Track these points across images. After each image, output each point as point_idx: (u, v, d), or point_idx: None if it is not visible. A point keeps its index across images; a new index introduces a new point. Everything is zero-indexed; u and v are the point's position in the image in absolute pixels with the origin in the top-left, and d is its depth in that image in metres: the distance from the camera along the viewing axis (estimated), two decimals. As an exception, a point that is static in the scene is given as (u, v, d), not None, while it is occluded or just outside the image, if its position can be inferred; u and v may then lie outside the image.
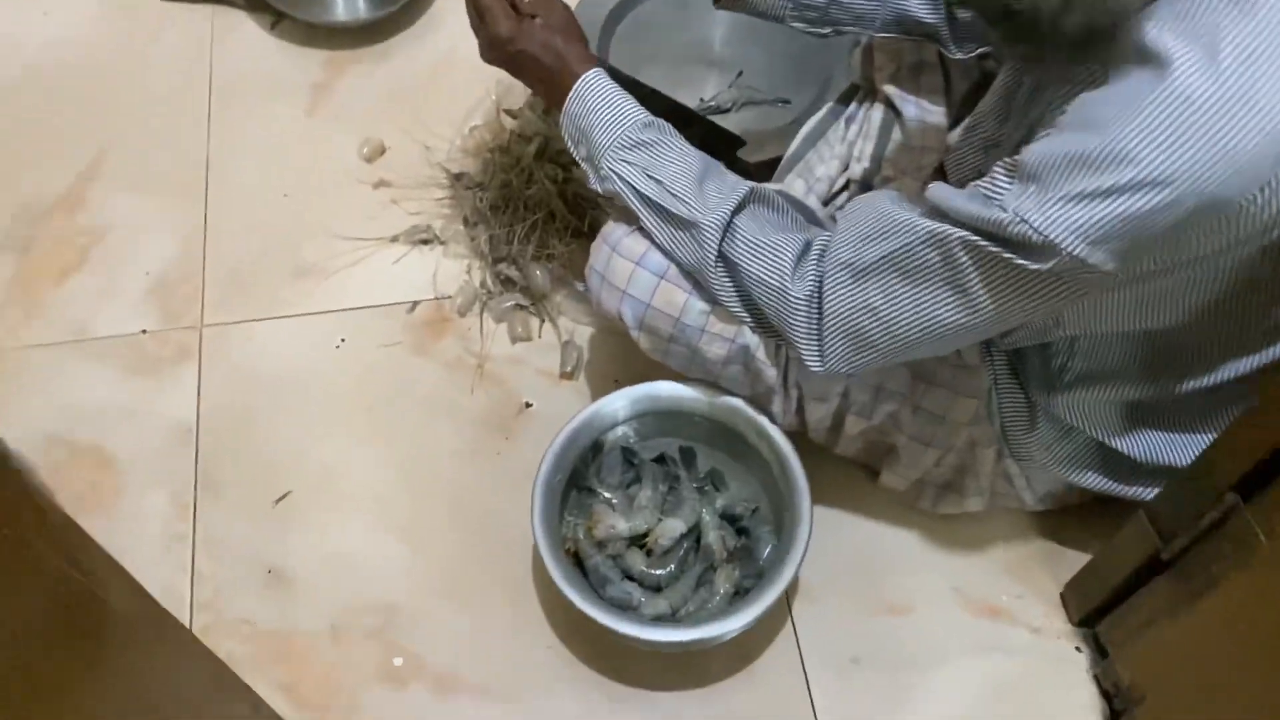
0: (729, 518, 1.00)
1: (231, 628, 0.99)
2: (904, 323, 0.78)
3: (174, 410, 1.12)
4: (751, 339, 0.89)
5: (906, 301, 0.77)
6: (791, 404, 0.94)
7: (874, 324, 0.79)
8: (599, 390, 1.12)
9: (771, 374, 0.91)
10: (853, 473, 1.05)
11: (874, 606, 1.01)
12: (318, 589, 1.02)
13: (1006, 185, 0.69)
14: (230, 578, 1.02)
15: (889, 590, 1.02)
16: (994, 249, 0.70)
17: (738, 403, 0.97)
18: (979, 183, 0.73)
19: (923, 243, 0.74)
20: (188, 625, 0.99)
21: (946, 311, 0.75)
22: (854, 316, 0.80)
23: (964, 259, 0.72)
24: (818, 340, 0.83)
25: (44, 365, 1.15)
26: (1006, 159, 0.71)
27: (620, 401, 0.99)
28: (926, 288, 0.75)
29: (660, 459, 1.03)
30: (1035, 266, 0.68)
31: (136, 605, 0.58)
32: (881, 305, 0.78)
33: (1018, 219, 0.67)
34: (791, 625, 1.00)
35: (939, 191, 0.74)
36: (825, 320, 0.81)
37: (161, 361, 1.15)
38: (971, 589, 1.02)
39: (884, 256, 0.76)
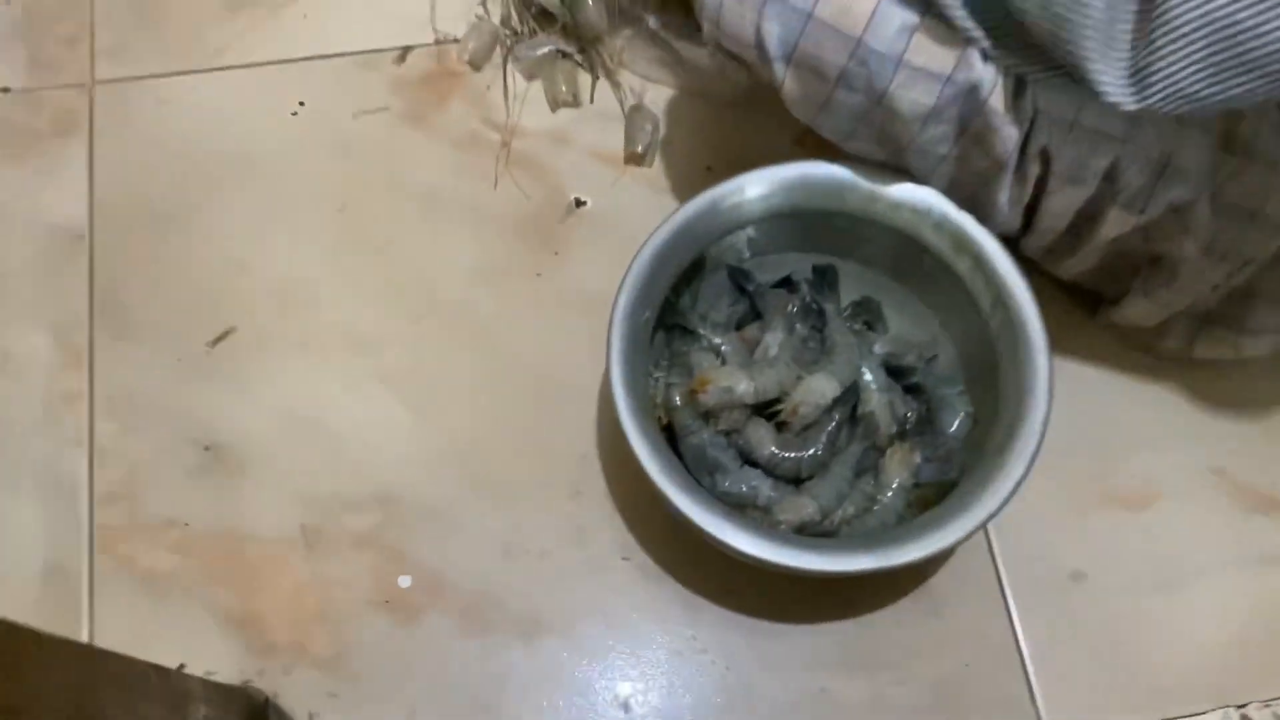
0: (893, 371, 0.66)
1: (154, 533, 0.67)
2: None
3: (55, 207, 0.75)
4: (983, 73, 0.54)
5: None
6: (1026, 189, 0.59)
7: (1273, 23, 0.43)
8: (684, 181, 0.76)
9: (1009, 135, 0.55)
10: (1065, 300, 0.71)
11: (1101, 498, 0.69)
12: (280, 474, 0.69)
13: None
14: (149, 457, 0.69)
15: (1122, 474, 0.70)
16: None
17: (931, 195, 0.61)
18: None
19: None
20: (86, 526, 0.67)
21: None
22: (1234, 11, 0.43)
23: None
24: (1128, 54, 0.47)
25: None
26: None
27: (755, 188, 0.63)
28: None
29: (786, 283, 0.68)
30: None
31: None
32: None
33: None
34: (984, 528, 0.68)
35: None
36: (1167, 18, 0.45)
37: (34, 136, 0.78)
38: (1241, 471, 0.70)
39: None
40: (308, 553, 0.67)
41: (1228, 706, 0.64)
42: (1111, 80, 0.47)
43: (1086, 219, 0.61)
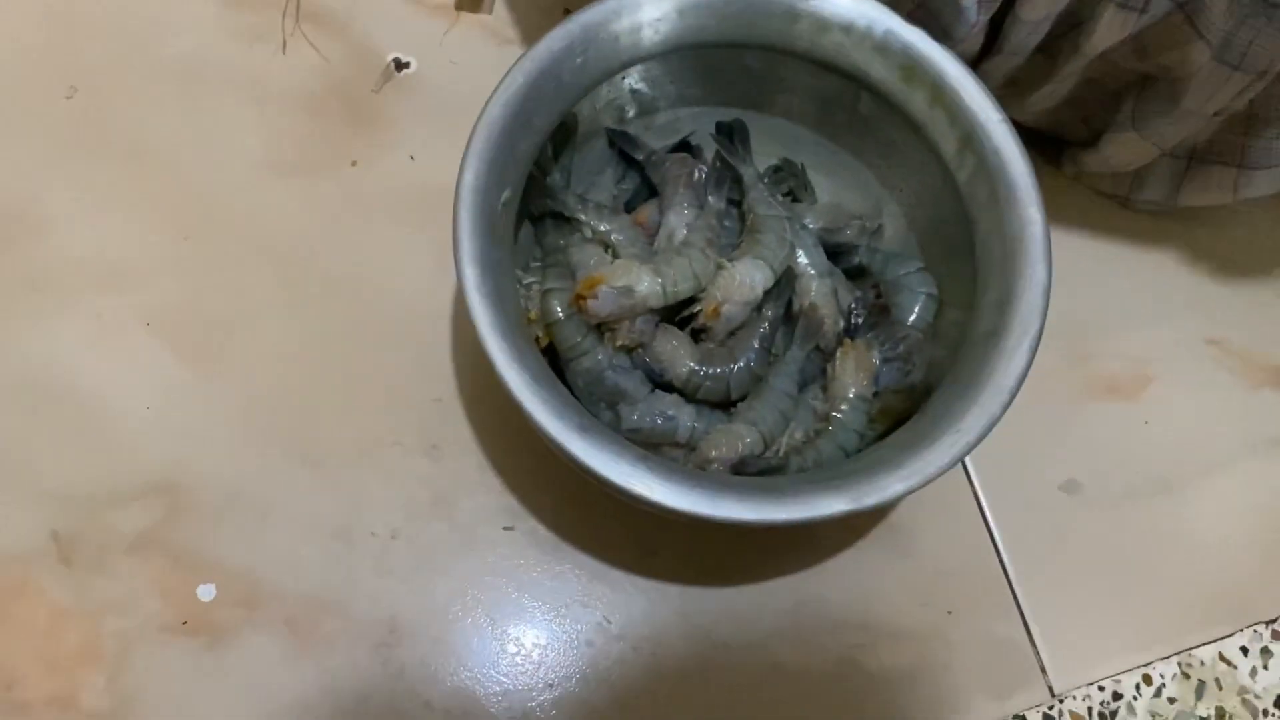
0: (831, 251, 0.51)
1: None
2: None
3: None
4: None
5: None
6: (1002, -11, 0.44)
7: None
8: (537, 30, 0.59)
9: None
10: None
11: (1086, 387, 0.57)
12: (14, 466, 0.49)
13: None
14: None
15: (1107, 356, 0.57)
16: None
17: (870, 6, 0.46)
18: None
19: None
20: None
21: None
22: None
23: None
24: None
25: None
26: None
27: (652, 7, 0.46)
28: None
29: (684, 148, 0.52)
30: None
31: None
32: None
33: None
34: (953, 437, 0.54)
35: None
36: None
37: None
38: (1240, 339, 0.59)
39: None
40: (65, 570, 0.48)
41: (1255, 625, 0.53)
42: None
43: (1070, 27, 0.46)
